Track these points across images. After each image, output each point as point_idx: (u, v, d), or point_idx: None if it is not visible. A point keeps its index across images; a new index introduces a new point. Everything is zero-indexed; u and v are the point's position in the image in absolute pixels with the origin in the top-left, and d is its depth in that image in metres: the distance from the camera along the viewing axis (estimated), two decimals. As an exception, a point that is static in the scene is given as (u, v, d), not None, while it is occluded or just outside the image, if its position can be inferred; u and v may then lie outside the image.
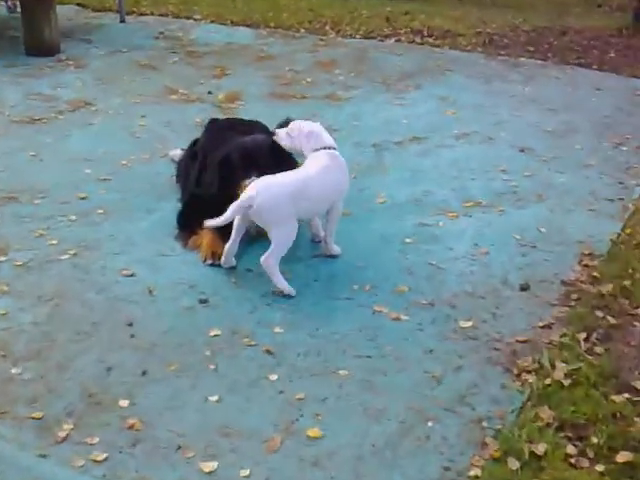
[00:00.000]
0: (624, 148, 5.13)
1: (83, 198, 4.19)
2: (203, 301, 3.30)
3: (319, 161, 3.53)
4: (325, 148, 3.56)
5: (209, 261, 3.57)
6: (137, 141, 5.07)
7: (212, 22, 8.86)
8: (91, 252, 3.64)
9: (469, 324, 3.14)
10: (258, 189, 3.32)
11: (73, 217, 3.97)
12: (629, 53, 7.72)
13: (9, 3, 8.62)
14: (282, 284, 3.34)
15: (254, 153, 3.68)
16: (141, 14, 9.20)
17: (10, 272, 3.44)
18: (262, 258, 3.32)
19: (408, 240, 3.83)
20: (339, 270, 3.56)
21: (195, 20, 8.96)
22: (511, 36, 8.27)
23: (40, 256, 3.58)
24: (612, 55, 7.67)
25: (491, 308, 3.27)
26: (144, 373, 2.81)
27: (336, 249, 3.67)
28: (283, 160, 3.67)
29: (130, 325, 3.10)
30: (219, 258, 3.55)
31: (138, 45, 7.59)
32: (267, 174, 3.46)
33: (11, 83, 6.18)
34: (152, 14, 9.21)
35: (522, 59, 7.39)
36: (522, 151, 5.00)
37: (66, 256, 3.59)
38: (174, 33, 8.23)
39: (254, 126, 4.34)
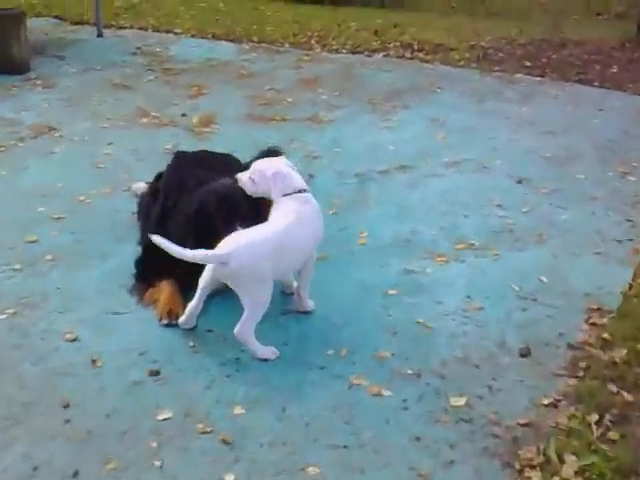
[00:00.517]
0: (632, 178, 4.70)
1: (32, 242, 3.76)
2: (154, 373, 2.86)
3: (291, 209, 3.08)
4: (296, 192, 3.13)
5: (165, 321, 3.14)
6: (100, 172, 4.64)
7: (193, 36, 8.45)
8: (32, 311, 3.20)
9: (462, 402, 2.70)
10: (238, 246, 2.87)
11: (17, 266, 3.53)
12: (633, 68, 7.27)
13: None
14: (262, 352, 2.92)
15: (233, 200, 3.23)
16: (120, 27, 8.79)
17: None
18: (236, 330, 2.90)
19: (391, 291, 3.39)
20: (312, 329, 3.13)
21: (175, 34, 8.55)
22: (507, 50, 7.84)
23: (-28, 314, 3.15)
24: (614, 70, 7.23)
25: (487, 380, 2.83)
26: (75, 474, 2.37)
27: (310, 304, 3.24)
28: (263, 206, 3.24)
29: (66, 407, 2.66)
30: (177, 318, 3.12)
31: (113, 62, 7.17)
32: (249, 224, 3.05)
33: (-29, 105, 5.75)
34: (132, 27, 8.81)
35: (518, 75, 6.97)
36: (519, 182, 4.57)
37: (3, 316, 3.15)
38: (152, 48, 7.80)
39: (224, 161, 3.94)
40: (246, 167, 4.06)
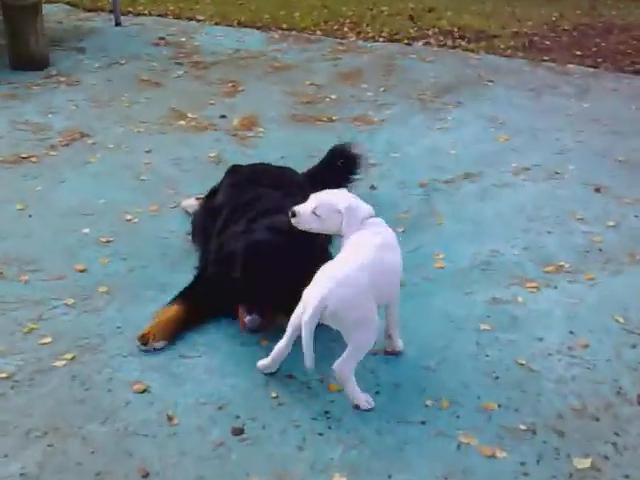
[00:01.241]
0: None
1: (82, 271, 3.45)
2: (238, 431, 2.56)
3: (371, 233, 2.77)
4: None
5: (140, 344, 2.94)
6: (142, 186, 4.31)
7: (217, 24, 8.06)
8: (93, 355, 2.90)
9: (587, 463, 2.41)
10: (330, 286, 2.56)
11: (70, 301, 3.22)
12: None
13: None
14: (359, 397, 2.64)
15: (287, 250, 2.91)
16: (138, 14, 8.39)
17: (-8, 390, 2.71)
18: (336, 365, 2.60)
19: (484, 326, 3.09)
20: (404, 375, 2.83)
21: (198, 21, 8.15)
22: (552, 37, 7.43)
23: (30, 363, 2.84)
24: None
25: (609, 435, 2.54)
26: None
27: (400, 344, 2.94)
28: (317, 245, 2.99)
29: (145, 477, 2.38)
30: (145, 343, 2.92)
31: (137, 55, 6.80)
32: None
33: (-5, 108, 5.40)
34: (150, 14, 8.41)
35: (571, 66, 6.59)
36: (597, 190, 4.24)
37: (62, 362, 2.85)
38: (176, 38, 7.43)
39: (282, 175, 3.64)
40: (304, 180, 3.80)
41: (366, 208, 2.85)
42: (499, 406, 2.66)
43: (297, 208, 2.82)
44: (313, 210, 2.78)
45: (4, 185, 4.26)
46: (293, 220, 2.82)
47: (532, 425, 2.57)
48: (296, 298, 2.65)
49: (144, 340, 2.92)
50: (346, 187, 4.08)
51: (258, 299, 2.90)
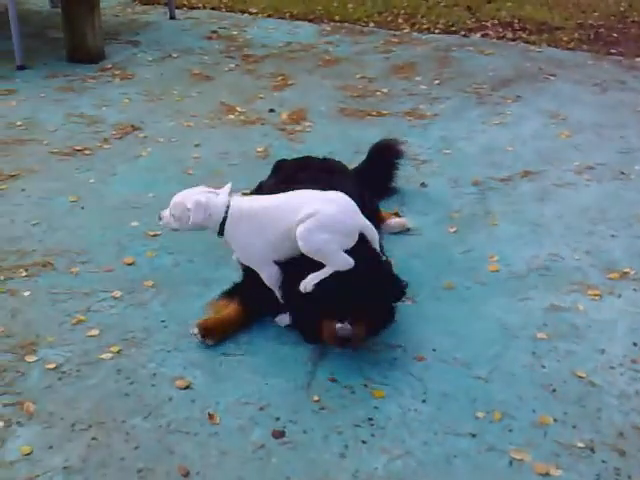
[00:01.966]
0: None
1: (129, 264, 3.43)
2: (279, 434, 2.50)
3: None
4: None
5: (194, 330, 2.92)
6: (191, 180, 4.24)
7: (269, 17, 8.00)
8: (138, 348, 2.88)
9: (650, 487, 2.26)
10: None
11: (118, 293, 3.21)
12: None
13: None
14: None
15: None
16: (192, 7, 8.38)
17: (40, 381, 2.69)
18: None
19: (540, 334, 2.95)
20: (454, 384, 2.71)
21: (251, 14, 8.10)
22: (619, 29, 7.12)
23: (77, 355, 2.83)
24: None
25: (675, 456, 2.38)
26: None
27: None
28: None
29: (186, 476, 2.33)
30: (204, 338, 2.89)
31: (190, 48, 6.78)
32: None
33: (51, 100, 5.43)
34: (204, 7, 8.39)
35: (639, 59, 6.30)
36: (666, 192, 4.04)
37: (109, 354, 2.83)
38: (228, 31, 7.39)
39: (329, 169, 3.56)
40: (350, 172, 3.70)
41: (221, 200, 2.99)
42: (555, 421, 2.53)
43: (161, 212, 3.08)
44: (170, 213, 3.02)
45: (59, 177, 4.27)
46: (160, 223, 3.09)
47: (591, 443, 2.43)
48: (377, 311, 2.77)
49: (205, 333, 2.88)
50: (391, 184, 4.00)
51: (351, 307, 2.73)
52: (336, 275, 2.75)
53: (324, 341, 2.79)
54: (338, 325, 2.69)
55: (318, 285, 2.76)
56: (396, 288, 2.90)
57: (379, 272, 2.83)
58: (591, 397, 2.63)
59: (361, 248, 2.84)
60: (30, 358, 2.81)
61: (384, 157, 4.03)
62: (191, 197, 2.97)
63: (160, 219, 3.07)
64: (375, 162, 4.01)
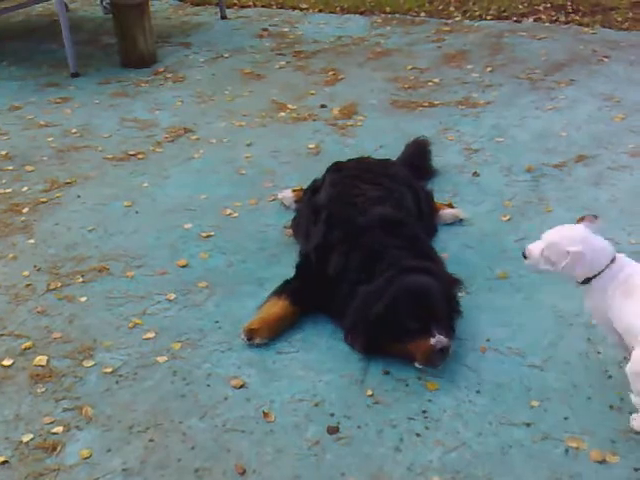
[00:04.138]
0: None
1: (183, 266, 3.50)
2: (333, 430, 2.53)
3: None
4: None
5: (242, 336, 2.95)
6: (242, 180, 4.33)
7: (320, 11, 8.00)
8: (193, 349, 2.94)
9: None
10: None
11: (172, 295, 3.28)
12: None
13: (104, 3, 8.02)
14: None
15: (429, 302, 2.78)
16: (242, 6, 8.44)
17: (98, 385, 2.78)
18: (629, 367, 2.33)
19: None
20: (508, 373, 2.69)
21: (301, 10, 8.12)
22: (675, 5, 6.92)
23: (134, 358, 2.92)
24: None
25: None
26: None
27: None
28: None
29: (243, 474, 2.38)
30: (252, 339, 2.93)
31: (241, 47, 6.85)
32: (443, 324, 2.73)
33: (105, 106, 5.59)
34: (255, 6, 8.43)
35: (696, 35, 6.11)
36: None
37: (164, 357, 2.91)
38: (279, 29, 7.43)
39: (386, 171, 3.57)
40: (405, 173, 3.71)
41: (606, 250, 2.49)
42: (611, 408, 2.50)
43: (528, 248, 2.56)
44: (543, 253, 2.51)
45: (113, 182, 4.39)
46: (525, 262, 2.59)
47: (648, 429, 2.39)
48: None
49: (250, 335, 2.93)
50: (425, 180, 3.98)
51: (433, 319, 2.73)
52: (412, 291, 2.77)
53: (417, 362, 2.73)
54: (433, 340, 2.66)
55: (394, 304, 2.74)
56: (457, 307, 2.91)
57: (445, 287, 2.86)
58: (648, 382, 2.56)
59: (423, 263, 2.89)
60: (88, 363, 2.89)
61: (417, 149, 4.12)
62: (572, 238, 2.47)
63: (525, 257, 2.58)
64: (411, 156, 4.08)
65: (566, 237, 2.46)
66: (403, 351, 2.74)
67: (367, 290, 2.84)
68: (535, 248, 2.53)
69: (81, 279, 3.43)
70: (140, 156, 4.72)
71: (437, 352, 2.66)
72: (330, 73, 5.99)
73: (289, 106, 5.37)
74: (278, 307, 3.03)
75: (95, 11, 8.32)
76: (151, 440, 2.52)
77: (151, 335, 3.03)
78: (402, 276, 2.81)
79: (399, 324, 2.71)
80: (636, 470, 2.26)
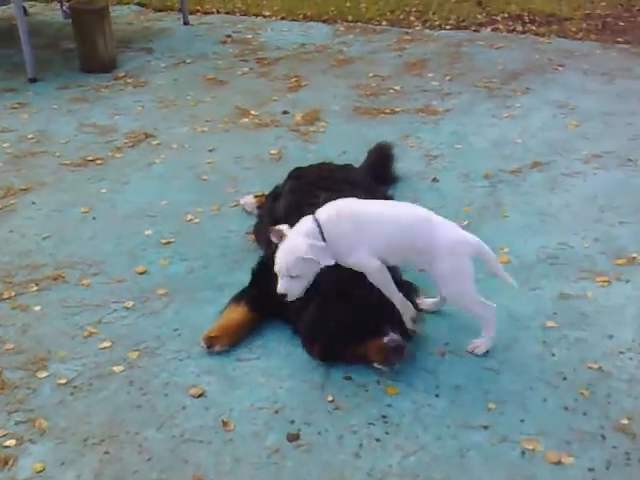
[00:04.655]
0: None
1: (142, 273, 3.47)
2: (293, 437, 2.52)
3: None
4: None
5: (202, 344, 2.92)
6: (204, 185, 4.31)
7: (283, 19, 8.02)
8: (151, 358, 2.91)
9: (661, 471, 2.25)
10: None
11: (130, 303, 3.24)
12: None
13: (64, 7, 7.87)
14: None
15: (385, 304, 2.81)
16: (205, 13, 8.42)
17: (51, 397, 2.73)
18: None
19: (550, 323, 2.96)
20: (465, 376, 2.72)
21: (264, 17, 8.12)
22: (626, 17, 7.08)
23: (89, 368, 2.86)
24: None
25: (687, 441, 2.37)
26: None
27: None
28: None
29: (200, 484, 2.36)
30: (211, 347, 2.90)
31: (203, 53, 6.83)
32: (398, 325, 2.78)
33: (64, 111, 5.52)
34: (218, 12, 8.42)
35: (646, 47, 6.26)
36: (675, 177, 4.00)
37: (121, 367, 2.86)
38: (242, 35, 7.43)
39: (346, 177, 3.59)
40: (366, 178, 3.73)
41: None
42: (566, 409, 2.54)
43: (280, 287, 2.72)
44: (289, 275, 2.70)
45: (70, 188, 4.33)
46: (287, 299, 2.75)
47: (601, 429, 2.44)
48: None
49: (210, 343, 2.91)
50: (387, 185, 4.02)
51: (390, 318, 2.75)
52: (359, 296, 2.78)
53: (371, 362, 2.75)
54: (386, 338, 2.68)
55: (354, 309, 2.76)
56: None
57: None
58: (601, 383, 2.63)
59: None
60: (41, 374, 2.84)
61: (380, 155, 4.15)
62: (299, 247, 2.68)
63: (285, 295, 2.72)
64: (374, 161, 4.12)
65: (292, 250, 2.67)
66: (360, 354, 2.75)
67: (323, 298, 2.84)
68: (281, 283, 2.70)
69: (35, 288, 3.37)
70: (99, 162, 4.67)
71: (390, 350, 2.68)
72: (293, 80, 6.01)
73: (252, 112, 5.37)
74: (237, 314, 3.01)
75: (55, 15, 8.21)
76: (106, 452, 2.47)
77: (107, 344, 2.98)
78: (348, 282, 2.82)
79: (355, 329, 2.72)
80: (590, 470, 2.30)
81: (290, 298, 2.72)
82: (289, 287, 2.70)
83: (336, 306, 2.77)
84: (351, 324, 2.73)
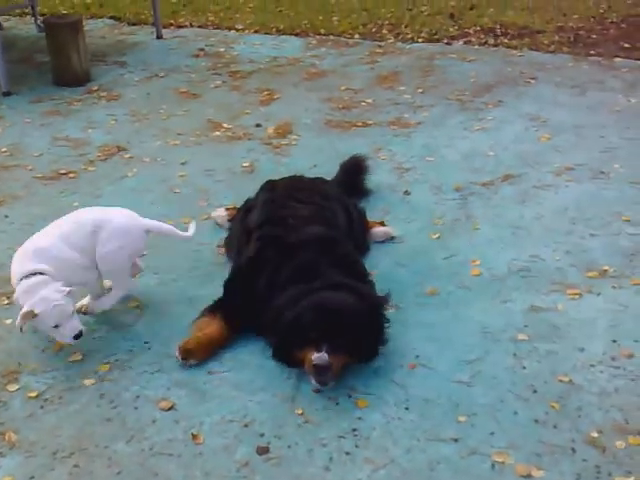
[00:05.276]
0: None
1: (112, 287, 3.44)
2: (263, 450, 2.51)
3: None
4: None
5: (177, 356, 2.91)
6: (176, 199, 4.30)
7: (256, 32, 8.02)
8: (122, 371, 2.89)
9: (630, 484, 2.27)
10: None
11: (100, 316, 3.21)
12: None
13: (38, 21, 7.85)
14: None
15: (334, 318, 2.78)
16: (179, 26, 8.41)
17: (22, 410, 2.71)
18: None
19: (521, 336, 2.97)
20: (435, 390, 2.72)
21: (237, 31, 8.13)
22: (599, 30, 7.18)
23: (59, 381, 2.85)
24: None
25: (655, 453, 2.39)
26: None
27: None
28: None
29: (168, 498, 2.34)
30: (187, 360, 2.89)
31: (176, 67, 6.81)
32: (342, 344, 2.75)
33: (37, 125, 5.48)
34: (191, 26, 8.40)
35: (618, 60, 6.34)
36: (645, 190, 4.05)
37: (92, 380, 2.84)
38: (215, 49, 7.42)
39: (318, 189, 3.62)
40: (337, 191, 3.75)
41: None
42: (536, 422, 2.55)
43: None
44: (28, 310, 2.84)
45: (42, 202, 4.29)
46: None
47: (571, 442, 2.45)
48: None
49: (185, 355, 2.89)
50: (359, 198, 4.04)
51: (329, 335, 2.72)
52: (319, 305, 2.78)
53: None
54: (315, 355, 2.67)
55: (301, 314, 2.78)
56: (381, 329, 2.89)
57: (365, 307, 2.84)
58: (571, 396, 2.65)
59: (351, 282, 2.91)
60: (12, 387, 2.81)
61: (354, 168, 4.16)
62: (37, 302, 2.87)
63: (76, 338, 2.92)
64: (347, 173, 4.13)
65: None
66: (301, 361, 2.76)
67: (285, 296, 2.87)
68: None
69: (6, 301, 3.33)
70: (71, 175, 4.64)
71: (313, 368, 2.67)
72: (265, 93, 6.01)
73: (224, 125, 5.36)
74: (213, 328, 2.99)
75: (29, 29, 8.15)
76: (76, 466, 2.46)
77: (78, 357, 2.96)
78: (320, 290, 2.83)
79: (301, 333, 2.74)
80: (560, 484, 2.31)
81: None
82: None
83: (292, 307, 2.80)
84: (296, 329, 2.75)
